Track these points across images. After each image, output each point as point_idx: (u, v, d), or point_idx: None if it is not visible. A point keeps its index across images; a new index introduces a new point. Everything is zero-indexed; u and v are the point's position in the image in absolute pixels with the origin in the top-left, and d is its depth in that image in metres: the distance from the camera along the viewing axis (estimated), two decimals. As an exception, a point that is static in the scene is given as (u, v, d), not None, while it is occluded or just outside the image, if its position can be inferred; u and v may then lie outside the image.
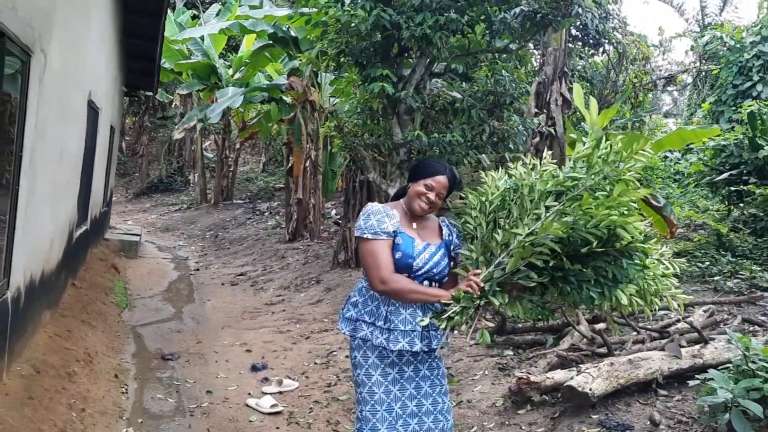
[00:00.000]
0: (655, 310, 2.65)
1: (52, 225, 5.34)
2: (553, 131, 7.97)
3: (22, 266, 4.13)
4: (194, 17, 17.33)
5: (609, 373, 3.77)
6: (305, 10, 8.56)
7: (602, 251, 2.49)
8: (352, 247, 9.24)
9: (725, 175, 9.00)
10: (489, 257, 2.62)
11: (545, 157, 2.76)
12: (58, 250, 5.67)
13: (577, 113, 10.47)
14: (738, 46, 15.05)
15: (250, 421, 4.40)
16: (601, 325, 5.15)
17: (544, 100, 8.30)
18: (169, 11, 11.36)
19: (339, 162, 12.91)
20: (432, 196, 2.74)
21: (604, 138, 2.61)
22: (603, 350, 4.70)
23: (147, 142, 23.48)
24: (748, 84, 14.44)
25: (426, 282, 2.72)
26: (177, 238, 14.34)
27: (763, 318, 5.53)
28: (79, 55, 5.77)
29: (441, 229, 2.87)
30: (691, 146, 11.34)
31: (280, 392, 4.92)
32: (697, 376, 3.51)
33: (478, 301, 2.53)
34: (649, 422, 3.52)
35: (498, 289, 2.54)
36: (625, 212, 2.46)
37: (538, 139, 8.17)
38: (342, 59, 6.45)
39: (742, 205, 9.38)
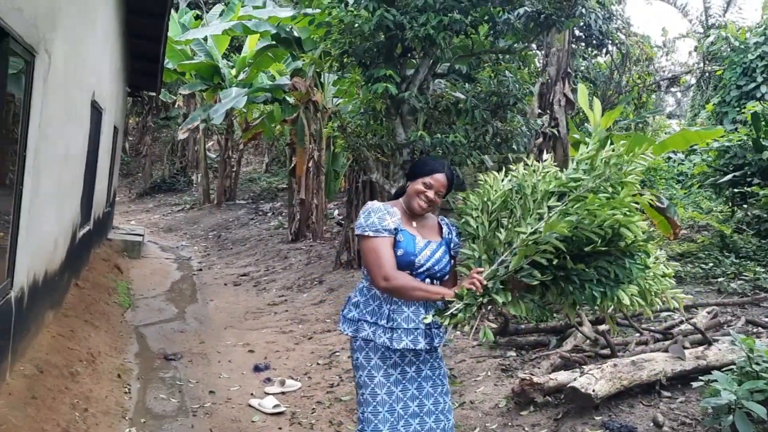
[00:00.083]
0: (655, 309, 2.65)
1: (56, 225, 5.34)
2: (556, 132, 7.97)
3: (25, 266, 4.13)
4: (197, 17, 17.35)
5: (612, 375, 3.76)
6: (309, 10, 8.56)
7: (605, 251, 2.49)
8: (354, 247, 9.24)
9: (729, 176, 8.98)
10: (492, 255, 2.63)
11: (546, 159, 2.76)
12: (62, 251, 5.68)
13: (581, 114, 10.46)
14: (742, 47, 15.03)
15: (253, 421, 4.41)
16: (604, 327, 5.14)
17: (548, 101, 8.30)
18: (172, 11, 11.35)
19: (342, 162, 12.92)
20: (431, 194, 2.74)
21: (609, 141, 2.62)
22: (606, 351, 4.70)
23: (150, 143, 23.52)
24: (752, 85, 14.42)
25: (428, 280, 2.72)
26: (180, 238, 14.36)
27: (766, 319, 5.51)
28: (83, 55, 5.78)
29: (440, 228, 2.88)
30: (695, 147, 11.33)
31: (283, 393, 4.92)
32: (700, 377, 3.51)
33: (481, 299, 2.53)
34: (652, 424, 3.51)
35: (501, 287, 2.55)
36: (628, 213, 2.46)
37: (541, 140, 8.16)
38: (345, 60, 6.45)
39: (745, 206, 9.36)
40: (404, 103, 6.26)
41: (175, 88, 20.28)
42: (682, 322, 5.28)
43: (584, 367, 4.17)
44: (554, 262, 2.47)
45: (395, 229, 2.69)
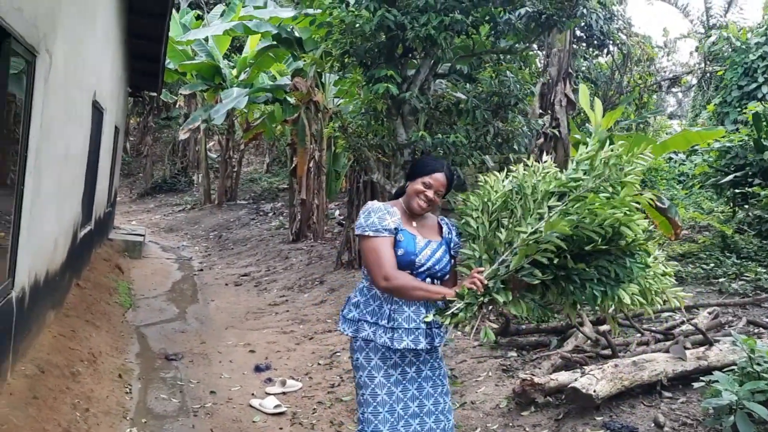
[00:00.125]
0: (656, 308, 2.65)
1: (57, 225, 5.35)
2: (557, 132, 7.97)
3: (26, 266, 4.14)
4: (198, 17, 17.36)
5: (613, 375, 3.76)
6: (310, 11, 8.56)
7: (605, 250, 2.50)
8: (355, 247, 9.24)
9: (730, 176, 8.98)
10: (492, 255, 2.63)
11: (546, 160, 2.77)
12: (63, 251, 5.68)
13: (582, 114, 10.46)
14: (743, 47, 15.02)
15: (254, 421, 4.41)
16: (605, 327, 5.14)
17: (549, 101, 8.30)
18: (173, 11, 11.36)
19: (343, 163, 12.92)
20: (430, 193, 2.73)
21: (607, 141, 2.63)
22: (607, 352, 4.69)
23: (151, 143, 23.53)
24: (754, 85, 14.41)
25: (428, 279, 2.72)
26: (181, 238, 14.36)
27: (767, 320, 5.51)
28: (83, 55, 5.78)
29: (440, 227, 2.88)
30: (696, 148, 11.33)
31: (284, 393, 4.92)
32: (701, 378, 3.50)
33: (481, 298, 2.53)
34: (653, 424, 3.51)
35: (502, 286, 2.55)
36: (628, 212, 2.47)
37: (542, 140, 8.16)
38: (346, 60, 6.45)
39: (747, 206, 9.36)
40: (405, 103, 6.26)
41: (176, 89, 20.29)
42: (683, 322, 5.28)
43: (585, 367, 4.17)
44: (555, 262, 2.47)
45: (395, 228, 2.69)
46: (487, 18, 6.29)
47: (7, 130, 3.65)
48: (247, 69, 14.17)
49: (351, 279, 8.61)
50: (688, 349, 4.20)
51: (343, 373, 5.25)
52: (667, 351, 4.18)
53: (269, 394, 4.86)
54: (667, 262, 2.76)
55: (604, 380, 3.70)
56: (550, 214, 2.50)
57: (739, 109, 14.06)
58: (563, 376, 4.05)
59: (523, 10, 6.24)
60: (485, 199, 2.73)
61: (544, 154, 8.30)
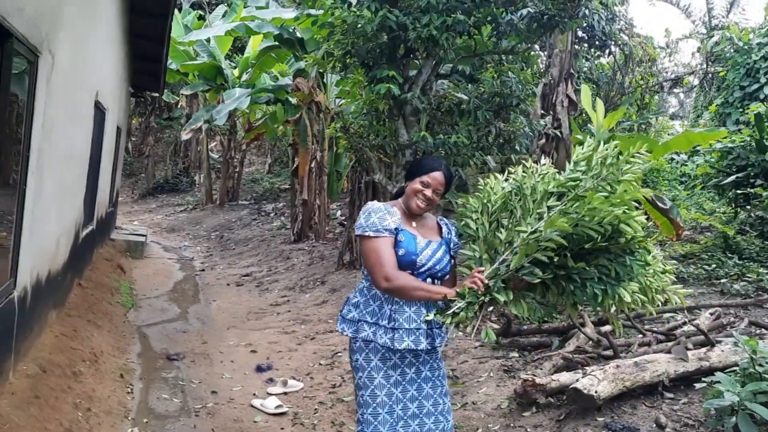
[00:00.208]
0: (657, 306, 2.65)
1: (59, 225, 5.35)
2: (559, 133, 7.97)
3: (28, 266, 4.14)
4: (200, 18, 17.37)
5: (615, 376, 3.76)
6: (311, 11, 8.57)
7: (605, 248, 2.50)
8: (357, 248, 9.25)
9: (732, 177, 8.97)
10: (493, 255, 2.64)
11: (544, 163, 2.78)
12: (65, 250, 5.69)
13: (584, 115, 10.45)
14: (745, 47, 15.01)
15: (255, 421, 4.41)
16: (606, 328, 5.14)
17: (550, 102, 8.31)
18: (175, 12, 11.37)
19: (344, 163, 12.93)
20: (429, 192, 2.73)
21: (601, 141, 2.63)
22: (609, 352, 4.69)
23: (153, 143, 23.55)
24: (756, 86, 14.40)
25: (429, 279, 2.72)
26: (182, 238, 14.37)
27: (770, 321, 5.50)
28: (86, 55, 5.79)
29: (440, 228, 2.89)
30: (698, 148, 11.31)
31: (285, 393, 4.92)
32: (703, 379, 3.50)
33: (482, 298, 2.53)
34: (655, 425, 3.50)
35: (502, 285, 2.55)
36: (627, 211, 2.47)
37: (544, 140, 8.17)
38: (348, 60, 6.46)
39: (749, 207, 9.34)
40: (407, 103, 6.26)
41: (178, 89, 20.30)
42: (685, 323, 5.28)
43: (587, 368, 4.17)
44: (555, 261, 2.48)
45: (396, 229, 2.69)
46: (489, 18, 6.30)
47: (10, 130, 3.66)
48: (249, 69, 14.19)
49: (352, 279, 8.62)
50: (690, 349, 4.19)
51: (345, 374, 5.25)
52: (668, 352, 4.18)
53: (271, 394, 4.86)
54: (669, 261, 2.77)
55: (606, 381, 3.70)
56: (550, 214, 2.50)
57: (741, 110, 14.05)
58: (565, 377, 4.05)
59: (525, 11, 6.25)
60: (485, 201, 2.74)
61: (546, 154, 8.33)
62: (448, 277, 2.80)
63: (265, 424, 4.39)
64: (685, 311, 5.77)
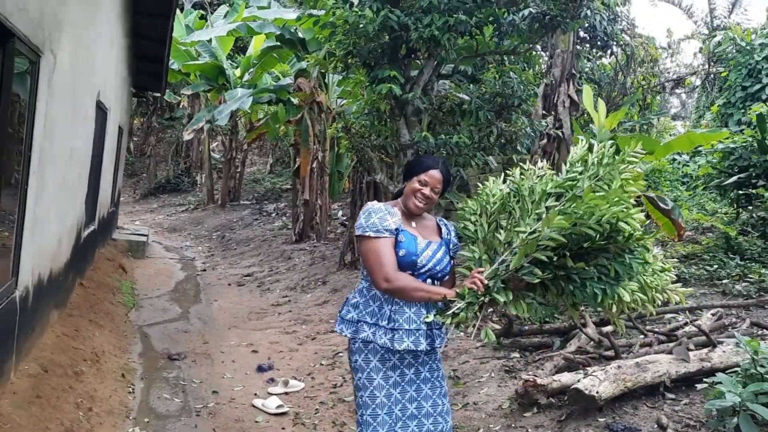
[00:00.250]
0: (657, 305, 2.65)
1: (60, 225, 5.36)
2: (560, 133, 7.97)
3: (30, 266, 4.15)
4: (202, 17, 17.38)
5: (616, 376, 3.75)
6: (313, 11, 8.58)
7: (604, 247, 2.51)
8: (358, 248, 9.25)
9: (734, 178, 8.95)
10: (492, 255, 2.64)
11: (542, 167, 2.78)
12: (66, 250, 5.70)
13: (585, 115, 10.45)
14: (747, 48, 14.99)
15: (256, 421, 4.41)
16: (608, 328, 5.13)
17: (552, 102, 8.31)
18: (177, 12, 11.38)
19: (346, 163, 12.93)
20: (427, 191, 2.73)
21: (596, 141, 2.64)
22: (610, 353, 4.68)
23: (155, 143, 23.57)
24: (758, 86, 14.38)
25: (429, 280, 2.71)
26: (184, 238, 14.39)
27: (771, 322, 5.49)
28: (87, 55, 5.80)
29: (439, 228, 2.88)
30: (700, 149, 11.29)
31: (286, 393, 4.92)
32: (705, 379, 3.50)
33: (482, 298, 2.53)
34: (656, 426, 3.50)
35: (502, 286, 2.55)
36: (625, 209, 2.47)
37: (545, 141, 8.16)
38: (350, 60, 6.46)
39: (750, 208, 9.33)
40: (408, 104, 6.26)
41: (179, 89, 20.31)
42: (686, 323, 5.27)
43: (588, 368, 4.16)
44: (554, 260, 2.48)
45: (396, 229, 2.68)
46: (490, 19, 6.29)
47: (12, 129, 3.66)
48: (251, 69, 14.20)
49: (354, 279, 8.62)
50: (692, 350, 4.19)
51: (346, 374, 5.25)
52: (670, 352, 4.17)
53: (272, 394, 4.87)
54: (670, 260, 2.76)
55: (607, 381, 3.69)
56: (548, 214, 2.51)
57: (743, 111, 14.03)
58: (566, 377, 4.05)
59: (526, 11, 6.24)
60: (483, 203, 2.74)
61: (547, 155, 8.33)
62: (447, 277, 2.80)
63: (266, 424, 4.39)
64: (687, 312, 5.77)
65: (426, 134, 6.13)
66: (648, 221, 7.11)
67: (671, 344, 4.51)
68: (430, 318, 2.63)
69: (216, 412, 4.50)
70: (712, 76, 17.86)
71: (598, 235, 2.44)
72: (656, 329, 5.15)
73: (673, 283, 2.68)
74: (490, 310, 2.73)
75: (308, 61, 10.40)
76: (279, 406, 4.58)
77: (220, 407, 4.60)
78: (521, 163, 2.83)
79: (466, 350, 5.40)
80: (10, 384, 3.66)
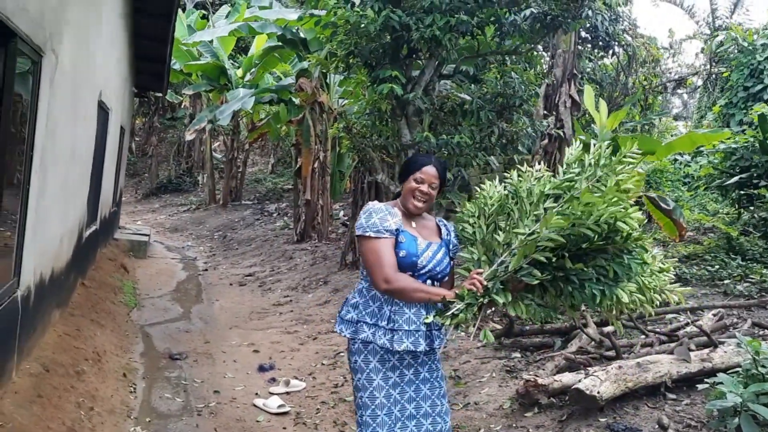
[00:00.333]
0: (655, 306, 2.65)
1: (62, 224, 5.37)
2: (561, 133, 7.97)
3: (32, 265, 4.15)
4: (203, 17, 17.39)
5: (617, 377, 3.75)
6: (315, 11, 8.58)
7: (603, 248, 2.51)
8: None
9: (735, 178, 8.94)
10: (491, 257, 2.64)
11: (539, 169, 2.78)
12: (68, 250, 5.71)
13: (587, 115, 10.44)
14: (749, 48, 14.98)
15: (257, 421, 4.41)
16: (609, 328, 5.13)
17: (553, 103, 8.31)
18: (179, 12, 11.39)
19: (347, 163, 12.93)
20: (424, 188, 2.73)
21: (592, 142, 2.64)
22: (611, 353, 4.69)
23: (156, 143, 23.59)
24: (759, 87, 14.36)
25: (429, 281, 2.71)
26: (186, 238, 14.40)
27: (773, 322, 5.48)
28: (89, 55, 5.80)
29: (439, 229, 2.88)
30: (701, 149, 11.28)
31: (287, 393, 4.93)
32: (706, 380, 3.50)
33: (481, 299, 2.54)
34: (657, 426, 3.50)
35: (501, 287, 2.55)
36: (623, 209, 2.48)
37: (546, 141, 8.16)
38: (351, 60, 6.46)
39: (752, 208, 9.32)
40: (410, 104, 6.26)
41: (181, 89, 20.33)
42: (687, 324, 5.27)
43: (589, 368, 4.16)
44: (553, 261, 2.48)
45: (397, 230, 2.68)
46: (492, 19, 6.29)
47: (14, 129, 3.67)
48: (253, 69, 14.21)
49: (355, 279, 8.62)
50: (693, 350, 4.18)
51: (347, 373, 5.25)
52: (671, 353, 4.17)
53: (273, 393, 4.87)
54: (671, 261, 2.76)
55: (608, 382, 3.69)
56: (546, 215, 2.51)
57: (744, 111, 14.01)
58: (567, 378, 4.05)
59: (528, 11, 6.24)
60: (481, 205, 2.74)
61: (549, 155, 8.32)
62: (447, 278, 2.80)
63: (268, 423, 4.39)
64: (688, 312, 5.77)
65: (427, 134, 6.13)
66: (648, 221, 7.12)
67: (672, 344, 4.51)
68: (430, 319, 2.63)
69: (217, 412, 4.51)
70: (713, 76, 17.85)
71: (596, 236, 2.44)
72: (657, 329, 5.16)
73: (673, 283, 2.68)
74: (490, 310, 2.73)
75: (310, 61, 10.41)
76: (280, 406, 4.59)
77: (221, 407, 4.61)
78: (522, 164, 2.83)
79: (467, 350, 5.40)
80: (12, 383, 3.67)
